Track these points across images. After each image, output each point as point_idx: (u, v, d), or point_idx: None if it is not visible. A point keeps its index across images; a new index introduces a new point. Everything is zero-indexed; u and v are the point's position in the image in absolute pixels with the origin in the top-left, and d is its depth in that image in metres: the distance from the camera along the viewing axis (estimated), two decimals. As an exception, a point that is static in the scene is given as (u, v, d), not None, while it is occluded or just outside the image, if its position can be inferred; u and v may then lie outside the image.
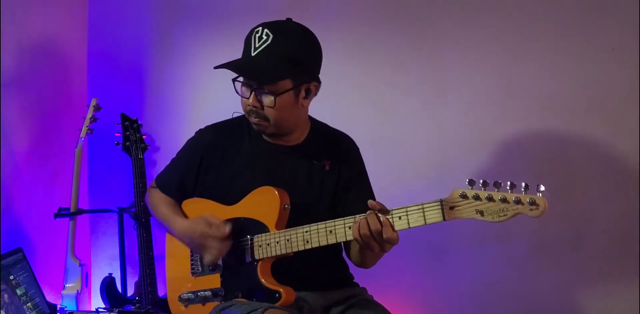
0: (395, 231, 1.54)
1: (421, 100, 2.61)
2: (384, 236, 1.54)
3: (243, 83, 1.74)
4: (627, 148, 2.36)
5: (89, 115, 2.71)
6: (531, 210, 1.38)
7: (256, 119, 1.75)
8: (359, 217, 1.59)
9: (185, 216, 1.91)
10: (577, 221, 2.43)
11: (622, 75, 2.36)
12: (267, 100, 1.71)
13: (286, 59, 1.68)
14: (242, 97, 1.75)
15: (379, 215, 1.56)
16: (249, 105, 1.73)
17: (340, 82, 2.55)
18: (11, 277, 2.20)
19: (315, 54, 1.76)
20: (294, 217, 1.73)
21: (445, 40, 2.56)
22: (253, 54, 1.69)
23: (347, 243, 1.86)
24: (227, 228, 1.74)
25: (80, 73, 2.98)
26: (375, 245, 1.57)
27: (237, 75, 1.74)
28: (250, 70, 1.70)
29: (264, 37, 1.68)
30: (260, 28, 1.70)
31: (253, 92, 1.71)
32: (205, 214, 1.79)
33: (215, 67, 1.72)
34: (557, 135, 2.45)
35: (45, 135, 2.72)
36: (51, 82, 2.79)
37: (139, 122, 2.73)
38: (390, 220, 1.55)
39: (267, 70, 1.68)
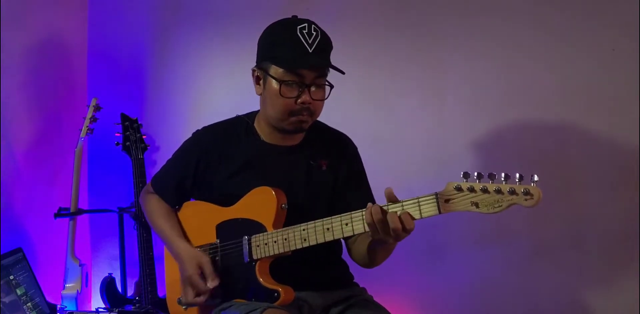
0: (413, 217, 1.51)
1: (420, 100, 2.60)
2: (407, 227, 1.51)
3: (292, 83, 1.72)
4: (627, 148, 2.36)
5: (89, 115, 2.71)
6: (526, 200, 1.38)
7: (306, 116, 1.75)
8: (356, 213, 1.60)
9: (180, 224, 1.92)
10: (577, 221, 2.43)
11: (622, 75, 2.35)
12: (321, 93, 1.75)
13: (330, 52, 1.78)
14: (287, 97, 1.72)
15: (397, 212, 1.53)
16: (303, 103, 1.72)
17: (339, 81, 2.54)
18: (11, 277, 2.21)
19: None
20: (293, 218, 1.73)
21: (444, 40, 2.56)
22: (311, 50, 1.70)
23: (349, 245, 1.86)
24: (213, 285, 1.76)
25: (80, 73, 2.98)
26: (386, 231, 1.53)
27: (283, 77, 1.72)
28: (319, 65, 1.73)
29: (314, 33, 1.72)
30: (305, 24, 1.72)
31: (307, 89, 1.72)
32: (205, 260, 1.80)
33: (291, 69, 1.70)
34: (557, 135, 2.45)
35: (45, 135, 2.72)
36: (51, 82, 2.79)
37: (139, 122, 2.73)
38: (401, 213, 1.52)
39: (328, 64, 1.74)
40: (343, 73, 1.72)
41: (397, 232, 1.51)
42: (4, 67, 2.45)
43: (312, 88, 1.73)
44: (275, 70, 1.73)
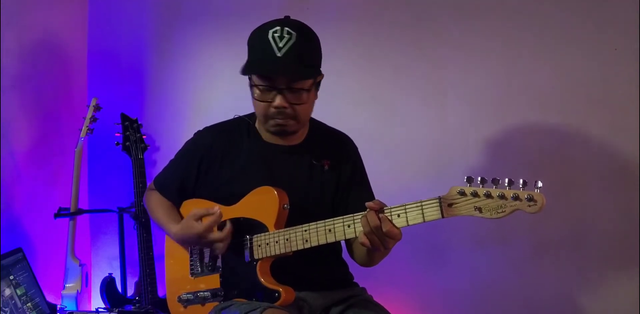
0: (395, 226, 1.54)
1: (421, 100, 2.61)
2: (384, 229, 1.53)
3: (264, 87, 1.71)
4: (628, 148, 2.36)
5: (89, 115, 2.71)
6: (529, 206, 1.38)
7: (282, 120, 1.74)
8: (358, 216, 1.59)
9: (182, 218, 1.91)
10: (577, 221, 2.43)
11: (622, 75, 2.35)
12: (300, 97, 1.71)
13: (313, 55, 1.73)
14: (262, 101, 1.72)
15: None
16: (275, 108, 1.71)
17: (340, 81, 2.55)
18: (11, 277, 2.20)
19: (320, 46, 1.79)
20: (295, 218, 1.73)
21: (446, 39, 2.56)
22: (280, 54, 1.67)
23: (350, 244, 1.86)
24: (219, 212, 1.73)
25: (80, 73, 2.98)
26: (376, 240, 1.56)
27: (254, 82, 1.72)
28: (286, 70, 1.69)
29: (286, 36, 1.68)
30: (278, 27, 1.69)
31: (279, 93, 1.70)
32: (196, 209, 1.78)
33: (246, 73, 1.71)
34: (557, 135, 2.45)
35: (45, 135, 2.72)
36: (51, 82, 2.79)
37: (139, 122, 2.73)
38: (389, 216, 1.55)
39: (302, 68, 1.70)
40: (293, 85, 1.68)
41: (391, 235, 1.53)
42: (3, 67, 2.45)
43: (288, 93, 1.70)
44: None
